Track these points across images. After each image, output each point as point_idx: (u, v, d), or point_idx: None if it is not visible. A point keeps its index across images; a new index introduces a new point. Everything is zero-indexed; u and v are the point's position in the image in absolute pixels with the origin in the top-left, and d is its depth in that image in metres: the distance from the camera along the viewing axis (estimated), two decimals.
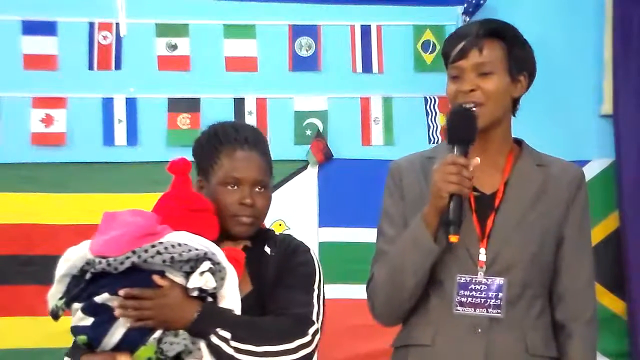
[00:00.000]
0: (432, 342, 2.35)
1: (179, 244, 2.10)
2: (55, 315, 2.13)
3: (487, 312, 2.32)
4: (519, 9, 3.97)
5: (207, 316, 2.12)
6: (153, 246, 2.08)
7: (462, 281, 2.33)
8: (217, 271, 2.11)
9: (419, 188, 2.40)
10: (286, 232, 3.83)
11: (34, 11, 3.89)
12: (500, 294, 2.32)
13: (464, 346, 2.32)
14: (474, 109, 2.31)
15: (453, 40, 2.41)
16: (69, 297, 2.10)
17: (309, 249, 2.38)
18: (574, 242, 2.42)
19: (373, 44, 4.01)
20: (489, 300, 2.32)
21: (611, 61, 3.98)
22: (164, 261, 2.07)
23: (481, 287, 2.33)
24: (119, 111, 3.90)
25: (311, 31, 4.00)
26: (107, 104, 3.90)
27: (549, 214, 2.39)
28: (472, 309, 2.33)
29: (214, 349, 2.12)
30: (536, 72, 2.46)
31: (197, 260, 2.10)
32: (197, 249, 2.11)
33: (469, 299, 2.33)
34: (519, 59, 2.40)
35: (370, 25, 4.02)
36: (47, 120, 3.87)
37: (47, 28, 3.90)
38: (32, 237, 3.82)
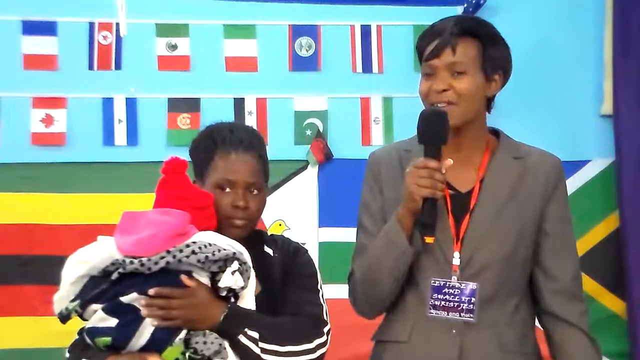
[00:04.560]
0: (409, 338, 2.37)
1: (210, 244, 2.10)
2: (65, 318, 2.10)
3: (460, 316, 2.33)
4: (519, 9, 3.98)
5: (234, 316, 2.13)
6: (187, 246, 2.08)
7: (436, 285, 2.34)
8: (244, 271, 2.12)
9: (396, 182, 2.39)
10: (286, 232, 3.83)
11: (34, 11, 3.89)
12: (473, 299, 2.32)
13: (439, 345, 2.34)
14: (445, 108, 2.29)
15: (427, 37, 2.40)
16: (86, 298, 2.07)
17: (307, 250, 2.42)
18: (558, 237, 2.41)
19: (373, 44, 4.01)
20: (462, 305, 2.33)
21: (611, 61, 3.97)
22: (198, 261, 2.07)
23: (454, 292, 2.33)
24: (119, 111, 3.90)
25: (311, 31, 4.00)
26: (107, 104, 3.90)
27: (526, 208, 2.38)
28: (445, 312, 2.33)
29: (241, 349, 2.12)
30: (512, 70, 2.43)
31: (226, 260, 2.10)
32: (225, 249, 2.11)
33: (442, 303, 2.33)
34: (494, 58, 2.37)
35: (370, 25, 4.02)
36: (47, 120, 3.87)
37: (47, 28, 3.89)
38: (32, 237, 3.82)
